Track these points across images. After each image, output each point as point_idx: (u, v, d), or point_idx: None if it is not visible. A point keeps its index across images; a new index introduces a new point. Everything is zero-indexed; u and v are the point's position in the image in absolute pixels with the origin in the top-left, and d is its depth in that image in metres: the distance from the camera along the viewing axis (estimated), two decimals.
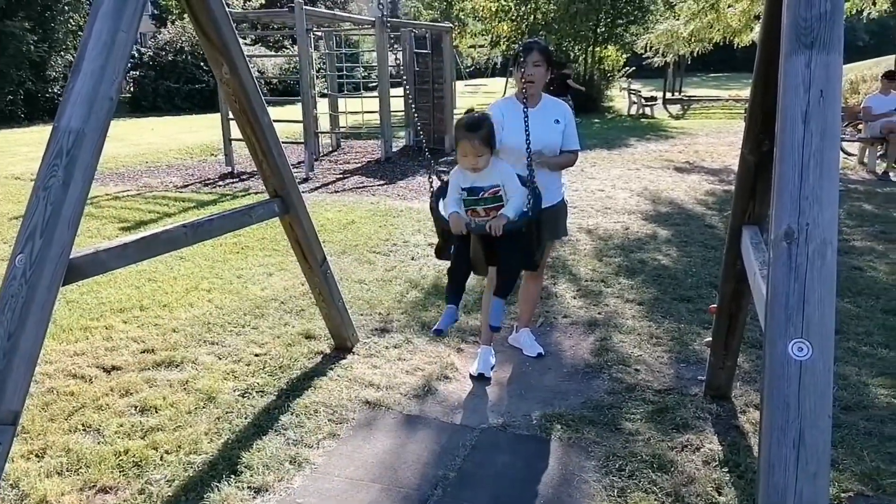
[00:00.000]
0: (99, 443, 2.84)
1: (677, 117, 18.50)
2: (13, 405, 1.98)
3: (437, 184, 3.17)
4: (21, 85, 19.64)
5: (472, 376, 3.48)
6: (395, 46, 12.13)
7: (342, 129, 13.08)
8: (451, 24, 14.35)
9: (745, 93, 21.03)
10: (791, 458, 1.49)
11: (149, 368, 3.55)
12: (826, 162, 1.63)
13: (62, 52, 21.20)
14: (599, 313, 4.29)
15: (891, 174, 9.14)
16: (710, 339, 3.25)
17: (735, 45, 15.44)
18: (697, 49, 16.56)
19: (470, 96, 24.22)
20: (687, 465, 2.66)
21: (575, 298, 4.58)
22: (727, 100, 21.01)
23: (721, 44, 15.78)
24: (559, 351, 3.80)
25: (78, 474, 2.62)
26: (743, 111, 16.86)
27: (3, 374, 1.95)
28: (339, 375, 3.46)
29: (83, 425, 2.98)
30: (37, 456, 2.75)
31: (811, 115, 1.65)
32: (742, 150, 2.79)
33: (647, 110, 18.71)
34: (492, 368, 3.53)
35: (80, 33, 21.15)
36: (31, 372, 2.04)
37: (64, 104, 2.13)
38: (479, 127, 2.85)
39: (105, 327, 4.11)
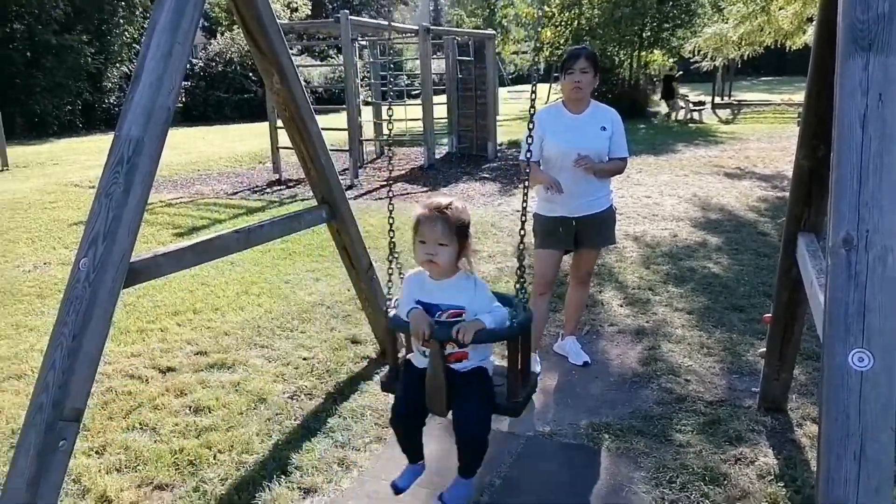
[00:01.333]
0: (155, 441, 2.94)
1: (727, 122, 18.11)
2: (77, 403, 2.06)
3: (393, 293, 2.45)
4: (79, 96, 20.51)
5: None
6: (439, 54, 12.24)
7: (386, 136, 13.23)
8: (493, 31, 14.38)
9: (798, 97, 20.48)
10: (852, 472, 1.44)
11: (202, 370, 3.66)
12: (886, 166, 1.58)
13: (117, 64, 22.06)
14: (647, 322, 4.23)
15: None
16: (765, 349, 3.16)
17: (787, 48, 15.04)
18: (748, 53, 16.18)
19: (513, 102, 24.21)
20: (741, 478, 2.60)
21: (622, 306, 4.52)
22: (779, 104, 20.49)
23: (772, 47, 15.39)
24: (606, 359, 3.76)
25: (136, 471, 2.72)
26: (796, 115, 16.43)
27: (68, 373, 2.03)
28: None
29: (140, 424, 3.09)
30: (97, 453, 2.86)
31: (869, 119, 1.61)
32: (796, 156, 2.73)
33: (696, 115, 18.37)
34: (537, 376, 3.51)
35: (134, 45, 22.01)
36: (94, 371, 2.11)
37: (124, 114, 2.20)
38: (448, 206, 2.19)
39: (160, 329, 4.25)
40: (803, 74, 2.64)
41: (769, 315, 3.11)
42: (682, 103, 18.76)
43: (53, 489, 1.99)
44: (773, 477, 2.59)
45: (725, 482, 2.57)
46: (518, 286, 2.22)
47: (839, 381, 1.50)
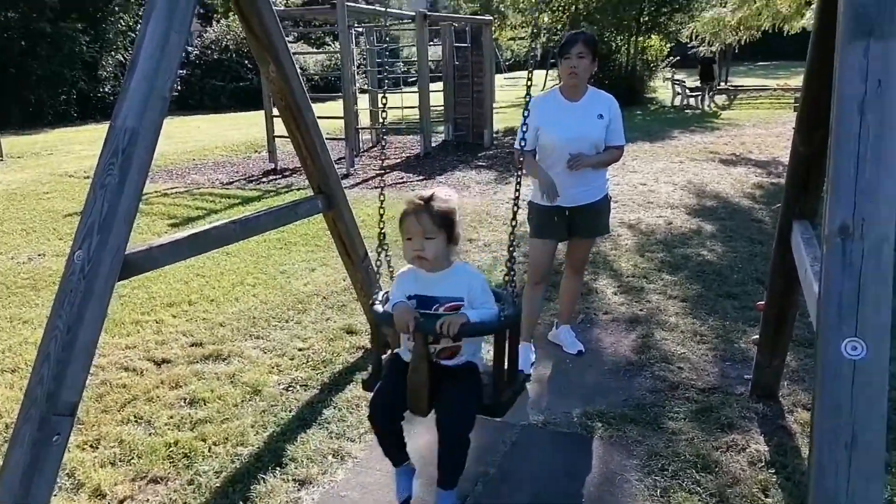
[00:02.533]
0: (150, 434, 2.93)
1: (723, 108, 18.04)
2: (72, 396, 2.04)
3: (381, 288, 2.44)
4: (74, 85, 20.33)
5: None
6: (436, 41, 12.15)
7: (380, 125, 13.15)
8: (491, 17, 14.28)
9: (794, 82, 20.40)
10: (843, 462, 1.45)
11: (197, 361, 3.65)
12: (884, 154, 1.57)
13: (113, 52, 21.86)
14: (641, 310, 4.23)
15: None
16: (757, 336, 3.17)
17: (785, 33, 14.98)
18: (745, 37, 16.11)
19: (510, 89, 24.08)
20: (732, 465, 2.61)
21: (616, 294, 4.52)
22: (775, 89, 20.40)
23: (770, 31, 15.32)
24: (600, 348, 3.76)
25: (130, 464, 2.72)
26: (793, 101, 16.39)
27: (63, 365, 2.01)
28: None
29: (135, 417, 3.08)
30: (91, 446, 2.86)
31: (868, 106, 1.59)
32: (793, 141, 2.71)
33: (692, 101, 18.31)
34: (531, 365, 3.52)
35: (129, 33, 21.80)
36: (89, 364, 2.10)
37: (120, 103, 2.17)
38: (430, 198, 2.17)
39: (155, 321, 4.24)
40: (801, 59, 2.62)
41: (762, 302, 3.11)
42: (678, 89, 18.70)
43: (47, 484, 1.98)
44: (764, 464, 2.61)
45: (717, 469, 2.58)
46: (508, 278, 2.22)
47: (832, 370, 1.50)
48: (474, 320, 2.08)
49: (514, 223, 2.23)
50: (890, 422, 2.67)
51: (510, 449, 2.80)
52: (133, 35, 21.90)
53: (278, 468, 2.66)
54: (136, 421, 3.05)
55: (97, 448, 2.85)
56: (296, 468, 2.65)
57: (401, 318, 2.09)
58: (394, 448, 2.36)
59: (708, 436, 2.81)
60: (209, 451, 2.78)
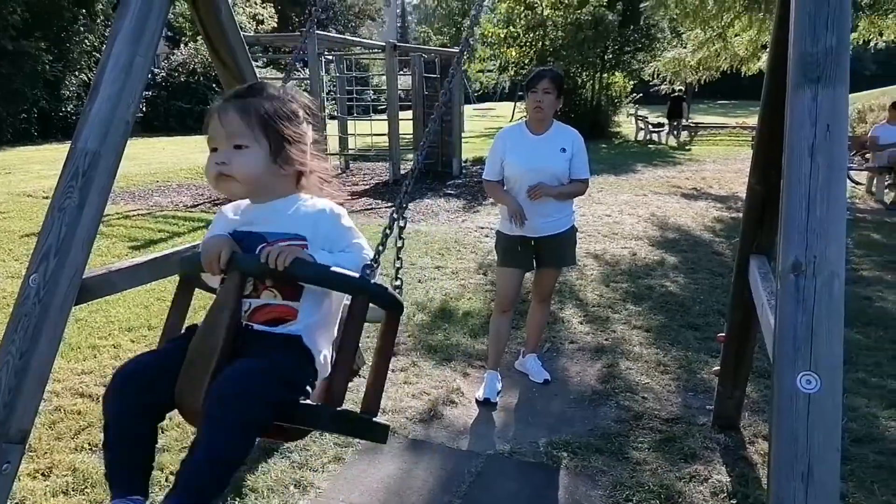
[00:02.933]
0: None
1: (685, 143, 18.57)
2: (23, 424, 1.98)
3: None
4: (35, 104, 19.93)
5: (478, 401, 3.47)
6: (405, 70, 12.31)
7: (351, 151, 13.20)
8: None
9: (752, 120, 21.14)
10: (800, 493, 1.48)
11: None
12: (833, 195, 1.64)
13: (76, 72, 21.53)
14: (606, 339, 4.28)
15: None
16: (718, 367, 3.24)
17: (742, 74, 15.59)
18: (705, 77, 16.72)
19: (479, 120, 24.45)
20: (695, 496, 2.64)
21: (582, 324, 4.57)
22: (734, 127, 21.11)
23: (728, 72, 15.94)
24: (566, 377, 3.79)
25: (83, 494, 2.62)
26: (750, 139, 16.96)
27: (15, 392, 1.95)
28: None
29: (89, 444, 2.98)
30: (43, 475, 2.76)
31: (818, 149, 1.66)
32: (749, 180, 2.81)
33: (655, 136, 18.83)
34: (498, 394, 3.52)
35: (94, 53, 21.50)
36: (42, 391, 2.04)
37: (81, 126, 2.14)
38: (246, 91, 1.60)
39: (113, 346, 4.13)
40: (758, 99, 2.73)
41: (723, 334, 3.18)
42: (641, 124, 19.21)
43: None
44: (725, 495, 2.64)
45: (680, 500, 2.61)
46: (395, 270, 1.66)
47: (787, 403, 1.54)
48: (320, 261, 1.45)
49: (397, 215, 1.79)
50: (845, 453, 2.76)
51: (475, 479, 2.78)
52: (98, 55, 21.61)
53: (238, 499, 2.59)
54: (90, 448, 2.95)
55: (49, 476, 2.74)
56: (256, 499, 2.59)
57: (209, 250, 1.46)
58: (125, 459, 1.42)
59: (671, 466, 2.84)
60: (166, 481, 2.70)
